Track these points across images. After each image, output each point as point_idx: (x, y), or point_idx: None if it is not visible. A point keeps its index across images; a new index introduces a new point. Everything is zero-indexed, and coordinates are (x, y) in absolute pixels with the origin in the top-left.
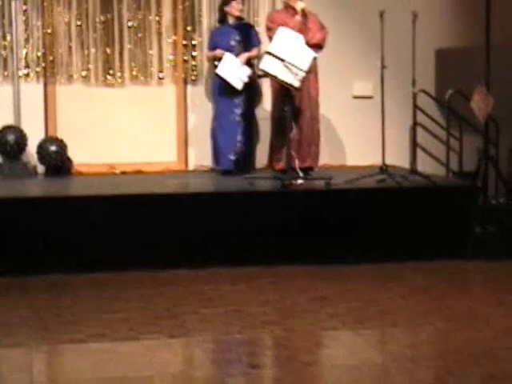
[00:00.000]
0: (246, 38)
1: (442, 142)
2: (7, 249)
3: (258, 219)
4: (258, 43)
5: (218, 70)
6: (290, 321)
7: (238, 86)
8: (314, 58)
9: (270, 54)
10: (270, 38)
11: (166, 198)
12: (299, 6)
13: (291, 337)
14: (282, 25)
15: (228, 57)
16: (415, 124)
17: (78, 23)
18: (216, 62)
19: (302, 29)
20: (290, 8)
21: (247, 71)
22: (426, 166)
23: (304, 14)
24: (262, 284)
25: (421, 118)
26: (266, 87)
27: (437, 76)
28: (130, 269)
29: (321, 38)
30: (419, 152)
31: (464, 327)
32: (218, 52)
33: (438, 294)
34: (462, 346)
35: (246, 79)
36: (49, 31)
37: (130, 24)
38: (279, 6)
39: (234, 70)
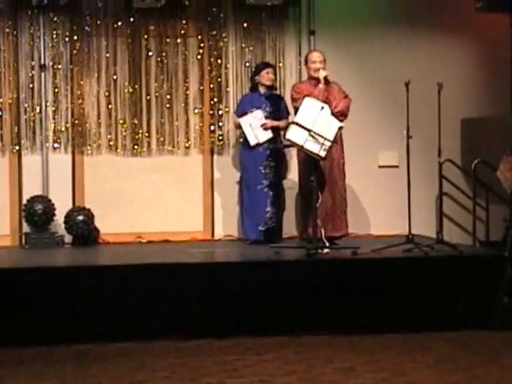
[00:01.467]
0: (275, 108)
1: (468, 211)
2: (34, 318)
3: (284, 288)
4: (286, 115)
5: (242, 120)
6: None
7: (252, 142)
8: (340, 128)
9: (296, 123)
10: (295, 109)
11: (193, 267)
12: (321, 74)
13: None
14: (307, 95)
15: (257, 113)
16: (441, 193)
17: (106, 94)
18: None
19: (326, 98)
20: (312, 78)
21: (267, 135)
22: (452, 235)
23: (327, 82)
24: (287, 354)
25: (447, 187)
26: (293, 157)
27: (463, 145)
28: (156, 338)
29: (344, 106)
30: (445, 221)
31: None
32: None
33: (466, 365)
34: None
35: (261, 141)
36: (78, 102)
37: (157, 94)
38: (305, 76)
39: (255, 127)
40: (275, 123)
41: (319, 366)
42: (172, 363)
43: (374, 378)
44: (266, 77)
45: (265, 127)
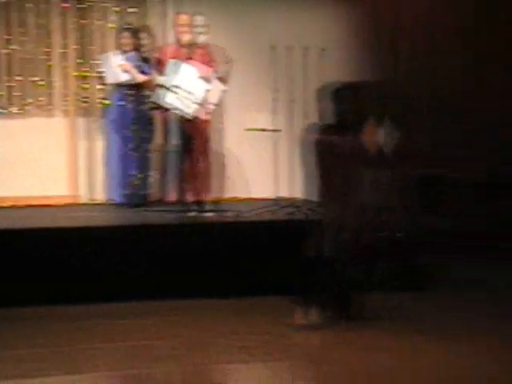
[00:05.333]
0: (139, 68)
1: None
2: None
3: (159, 253)
4: (148, 73)
5: (102, 56)
6: (198, 354)
7: (110, 79)
8: (207, 90)
9: (162, 86)
10: (160, 72)
11: (56, 231)
12: (184, 38)
13: (200, 371)
14: (173, 58)
15: (116, 53)
16: None
17: None
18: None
19: (189, 61)
20: (179, 41)
21: (124, 77)
22: None
23: (189, 45)
24: (170, 318)
25: None
26: (159, 119)
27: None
28: (27, 304)
29: (206, 70)
30: None
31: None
32: None
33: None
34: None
35: (120, 80)
36: None
37: (19, 54)
38: (171, 39)
39: (113, 67)
40: (133, 70)
41: (202, 330)
42: (51, 329)
43: (255, 341)
44: (121, 42)
45: (122, 68)
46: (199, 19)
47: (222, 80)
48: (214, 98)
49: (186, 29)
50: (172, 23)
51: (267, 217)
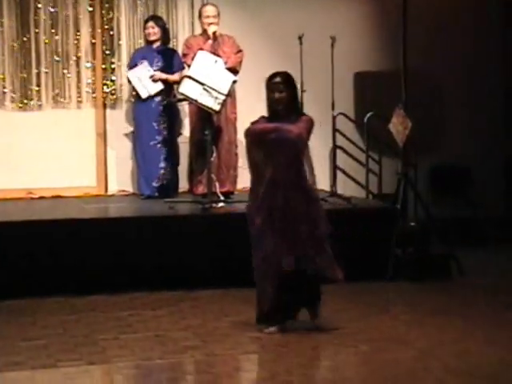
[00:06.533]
0: (168, 62)
1: (361, 164)
2: None
3: (178, 243)
4: (179, 68)
5: (129, 73)
6: (211, 345)
7: (143, 95)
8: (234, 82)
9: (189, 77)
10: (186, 63)
11: (85, 222)
12: (211, 30)
13: (212, 361)
14: (199, 49)
15: (144, 65)
16: (335, 147)
17: None
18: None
19: (216, 52)
20: (205, 32)
21: (158, 87)
22: (345, 188)
23: (215, 37)
24: (182, 308)
25: (340, 140)
26: (186, 111)
27: (356, 99)
28: (47, 295)
29: (235, 61)
30: (339, 174)
31: (385, 349)
32: None
33: (359, 315)
34: (382, 367)
35: (153, 93)
36: None
37: (47, 47)
38: (198, 30)
39: (144, 79)
40: (164, 76)
41: (214, 320)
42: (65, 320)
43: (268, 331)
44: (146, 32)
45: (153, 79)
46: (212, 9)
47: (230, 71)
48: (225, 89)
49: (212, 20)
50: (198, 14)
51: None
